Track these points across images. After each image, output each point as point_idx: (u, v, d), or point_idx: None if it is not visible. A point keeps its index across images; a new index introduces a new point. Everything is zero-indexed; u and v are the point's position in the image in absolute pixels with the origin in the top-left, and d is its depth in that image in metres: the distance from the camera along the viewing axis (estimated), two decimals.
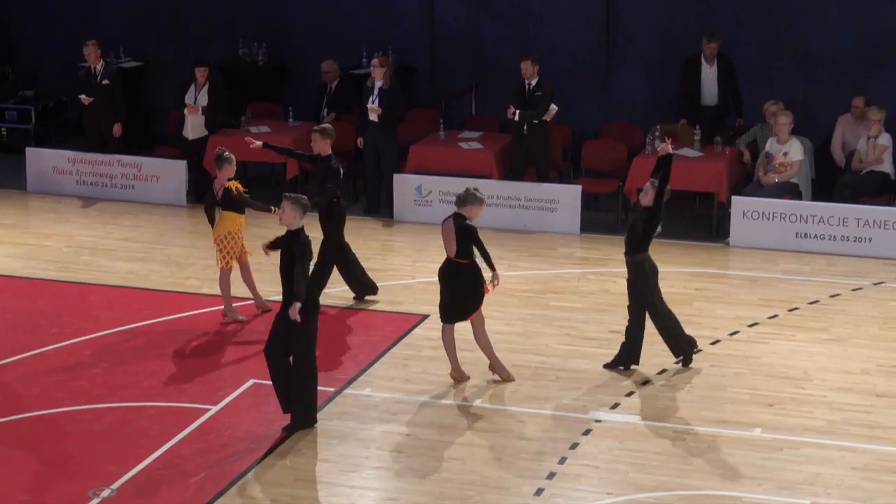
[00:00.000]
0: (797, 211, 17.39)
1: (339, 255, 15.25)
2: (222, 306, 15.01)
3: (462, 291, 13.18)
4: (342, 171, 15.28)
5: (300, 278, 11.95)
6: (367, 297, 15.56)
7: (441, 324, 13.34)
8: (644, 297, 13.44)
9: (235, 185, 14.68)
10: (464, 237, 13.02)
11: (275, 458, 11.92)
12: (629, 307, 13.62)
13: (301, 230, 12.22)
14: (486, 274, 13.17)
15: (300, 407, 12.34)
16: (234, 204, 14.65)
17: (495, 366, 13.49)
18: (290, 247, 12.14)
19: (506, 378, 13.49)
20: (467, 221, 13.07)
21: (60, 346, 14.02)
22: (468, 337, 13.40)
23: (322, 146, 15.03)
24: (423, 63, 21.12)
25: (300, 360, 12.19)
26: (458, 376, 13.45)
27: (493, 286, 13.24)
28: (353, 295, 15.54)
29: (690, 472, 11.72)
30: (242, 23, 21.61)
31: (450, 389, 13.31)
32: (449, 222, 13.12)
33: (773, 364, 13.94)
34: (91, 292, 15.87)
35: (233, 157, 14.74)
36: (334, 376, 13.55)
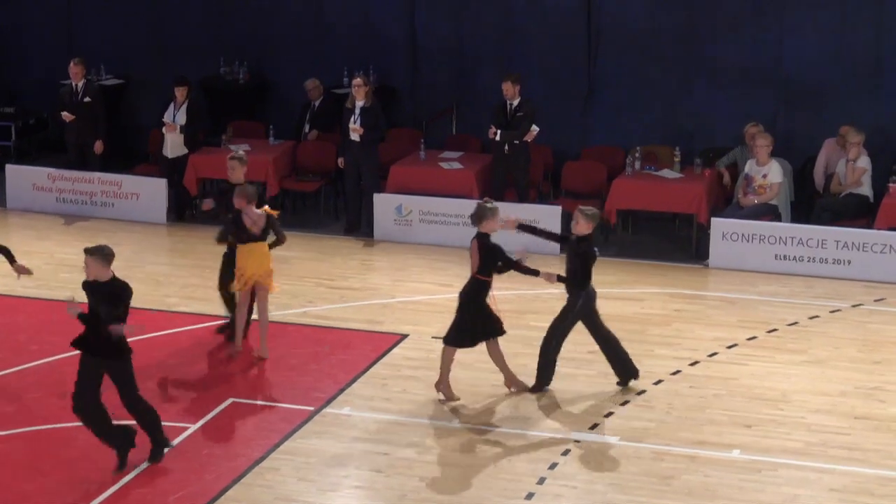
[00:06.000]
0: (776, 233, 17.45)
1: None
2: (201, 325, 15.09)
3: (479, 313, 13.23)
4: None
5: (107, 321, 11.50)
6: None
7: (444, 345, 13.41)
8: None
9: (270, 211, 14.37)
10: (487, 255, 13.09)
11: (253, 476, 11.90)
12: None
13: (112, 280, 11.57)
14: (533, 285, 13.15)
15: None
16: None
17: (510, 379, 13.62)
18: (104, 297, 11.56)
19: (521, 389, 13.61)
20: (490, 238, 13.14)
21: (40, 364, 13.97)
22: (462, 357, 13.45)
23: (240, 175, 14.68)
24: (403, 83, 21.14)
25: (128, 399, 11.84)
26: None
27: (552, 280, 13.35)
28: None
29: (668, 492, 11.74)
30: (224, 41, 21.60)
31: (429, 409, 13.30)
32: (474, 241, 13.18)
33: (752, 385, 13.97)
34: None
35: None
36: (313, 395, 13.53)
